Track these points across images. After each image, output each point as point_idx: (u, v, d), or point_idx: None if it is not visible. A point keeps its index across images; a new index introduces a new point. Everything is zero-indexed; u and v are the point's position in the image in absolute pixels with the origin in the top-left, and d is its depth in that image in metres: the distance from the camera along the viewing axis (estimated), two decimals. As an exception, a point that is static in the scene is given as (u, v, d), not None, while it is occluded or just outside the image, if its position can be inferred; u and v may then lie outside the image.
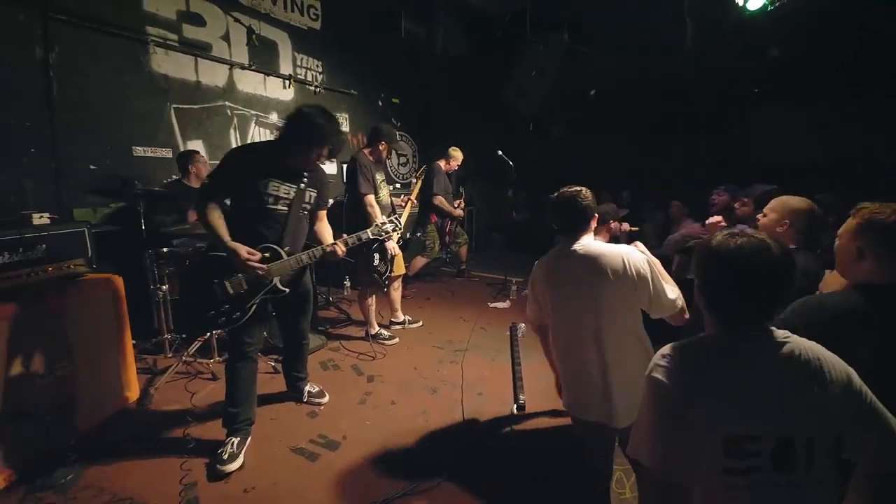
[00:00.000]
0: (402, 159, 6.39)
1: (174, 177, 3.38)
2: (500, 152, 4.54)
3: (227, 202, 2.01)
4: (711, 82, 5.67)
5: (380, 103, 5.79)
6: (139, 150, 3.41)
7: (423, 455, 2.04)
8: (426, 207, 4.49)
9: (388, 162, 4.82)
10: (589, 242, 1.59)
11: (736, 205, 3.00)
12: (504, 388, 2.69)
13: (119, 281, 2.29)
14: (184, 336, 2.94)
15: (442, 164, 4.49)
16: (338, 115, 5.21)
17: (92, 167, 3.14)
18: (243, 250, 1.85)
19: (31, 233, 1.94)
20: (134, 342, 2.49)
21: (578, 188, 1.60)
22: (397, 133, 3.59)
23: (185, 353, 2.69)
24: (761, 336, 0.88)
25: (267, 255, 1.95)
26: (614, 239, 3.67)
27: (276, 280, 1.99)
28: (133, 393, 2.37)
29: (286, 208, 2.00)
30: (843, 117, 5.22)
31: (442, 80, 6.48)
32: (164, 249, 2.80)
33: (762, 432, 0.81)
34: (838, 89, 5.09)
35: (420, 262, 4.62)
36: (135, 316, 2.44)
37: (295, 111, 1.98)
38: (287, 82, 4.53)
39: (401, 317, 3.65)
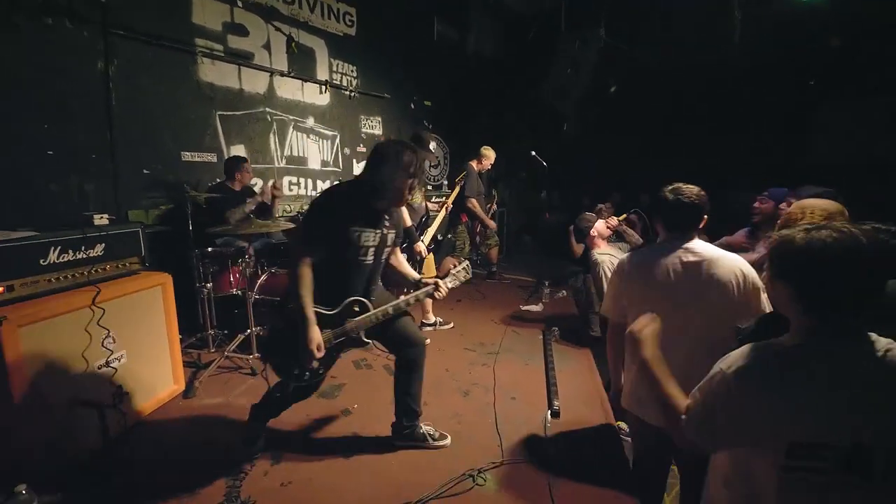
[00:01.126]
0: (434, 161, 6.42)
1: (218, 180, 3.54)
2: (533, 152, 4.48)
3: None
4: (762, 77, 5.36)
5: (412, 106, 5.85)
6: (187, 155, 3.60)
7: (456, 457, 2.02)
8: (457, 208, 4.49)
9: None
10: (702, 245, 1.53)
11: (782, 205, 2.76)
12: (537, 393, 2.63)
13: (169, 278, 2.41)
14: (225, 332, 3.07)
15: (474, 164, 4.48)
16: (371, 118, 5.31)
17: (145, 171, 3.34)
18: (315, 345, 1.69)
19: (92, 232, 2.09)
20: (180, 337, 2.62)
21: (694, 186, 1.54)
22: (431, 137, 3.62)
23: (227, 349, 2.80)
24: (858, 341, 0.83)
25: (356, 308, 1.86)
26: (618, 236, 3.56)
27: (362, 333, 1.88)
28: (179, 385, 2.50)
29: (372, 258, 1.87)
30: (883, 115, 4.80)
31: (474, 82, 6.47)
32: (209, 249, 2.94)
33: (837, 439, 0.79)
34: (876, 86, 4.70)
35: (450, 263, 4.61)
36: (181, 312, 2.56)
37: (379, 146, 1.84)
38: (323, 87, 4.66)
39: (432, 318, 3.66)
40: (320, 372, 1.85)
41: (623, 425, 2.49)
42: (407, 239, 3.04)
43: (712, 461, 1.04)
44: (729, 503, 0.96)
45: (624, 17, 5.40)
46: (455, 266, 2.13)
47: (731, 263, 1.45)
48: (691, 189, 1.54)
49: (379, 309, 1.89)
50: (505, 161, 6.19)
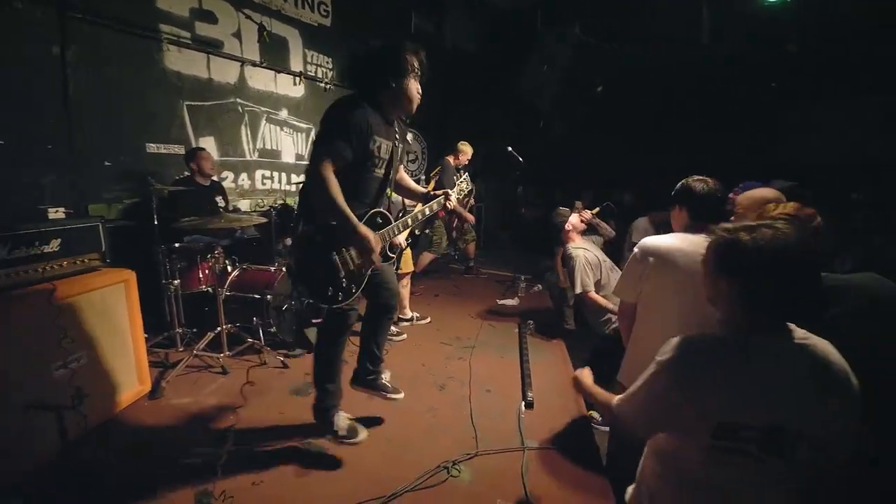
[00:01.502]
0: (412, 156, 6.39)
1: (186, 173, 3.42)
2: (509, 148, 4.50)
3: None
4: (730, 77, 5.51)
5: (389, 100, 5.79)
6: (152, 147, 3.45)
7: (432, 450, 2.04)
8: (434, 204, 4.47)
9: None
10: None
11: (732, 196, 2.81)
12: (512, 385, 2.67)
13: (132, 275, 2.32)
14: (194, 330, 2.98)
15: (451, 159, 4.47)
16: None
17: (107, 163, 3.19)
18: (373, 239, 1.66)
19: (46, 227, 1.98)
20: (146, 336, 2.53)
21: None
22: (408, 130, 3.58)
23: (196, 348, 2.72)
24: (784, 335, 0.89)
25: (380, 220, 1.81)
26: (591, 229, 3.65)
27: (387, 247, 1.85)
28: (145, 386, 2.41)
29: (383, 171, 1.82)
30: (877, 115, 5.01)
31: (453, 76, 6.45)
32: (176, 245, 2.84)
33: (760, 423, 0.85)
34: (869, 85, 4.91)
35: (427, 257, 4.61)
36: (147, 310, 2.48)
37: (374, 53, 1.73)
38: (297, 79, 4.55)
39: (409, 313, 3.65)
40: (353, 292, 1.77)
41: (595, 414, 2.56)
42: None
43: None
44: (660, 474, 1.02)
45: (614, 13, 5.44)
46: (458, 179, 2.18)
47: None
48: (714, 182, 1.61)
49: (400, 220, 1.88)
50: (482, 157, 6.22)
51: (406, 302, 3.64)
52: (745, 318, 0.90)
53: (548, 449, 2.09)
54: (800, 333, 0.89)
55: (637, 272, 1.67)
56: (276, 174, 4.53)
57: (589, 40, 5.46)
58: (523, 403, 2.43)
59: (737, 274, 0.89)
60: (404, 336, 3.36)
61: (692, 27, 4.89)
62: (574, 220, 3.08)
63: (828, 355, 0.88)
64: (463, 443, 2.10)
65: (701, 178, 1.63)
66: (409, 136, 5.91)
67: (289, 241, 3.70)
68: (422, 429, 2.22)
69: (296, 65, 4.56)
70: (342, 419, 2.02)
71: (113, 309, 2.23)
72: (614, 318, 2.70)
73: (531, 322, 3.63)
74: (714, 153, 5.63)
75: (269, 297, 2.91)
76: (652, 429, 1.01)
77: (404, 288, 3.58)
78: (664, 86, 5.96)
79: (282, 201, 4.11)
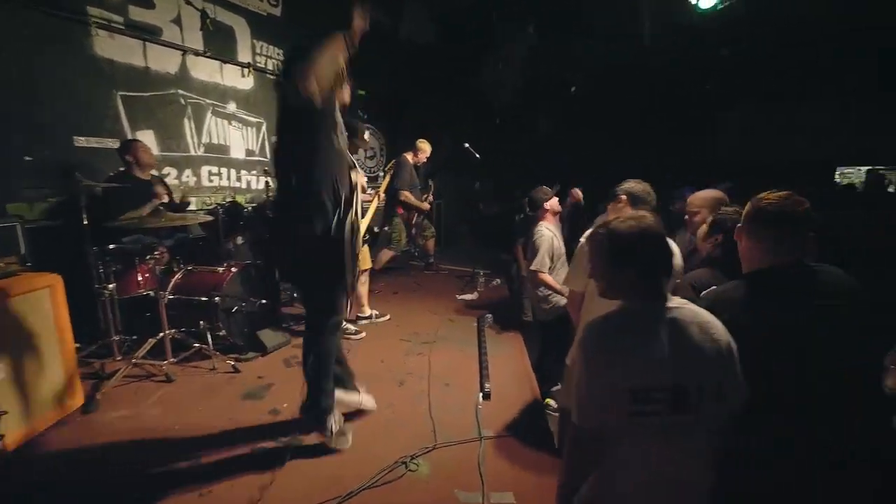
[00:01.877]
0: (370, 152, 6.30)
1: (121, 168, 3.18)
2: (466, 145, 4.55)
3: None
4: (671, 80, 5.82)
5: (345, 94, 5.66)
6: (81, 140, 3.18)
7: (390, 446, 2.03)
8: (392, 200, 4.44)
9: (355, 154, 4.73)
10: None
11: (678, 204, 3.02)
12: (471, 378, 2.71)
13: (57, 279, 2.13)
14: (134, 337, 2.79)
15: (409, 156, 4.45)
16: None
17: (27, 158, 2.91)
18: None
19: (-49, 228, 1.78)
20: (78, 346, 2.34)
21: None
22: (365, 127, 3.53)
23: (136, 356, 2.54)
24: (665, 304, 1.02)
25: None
26: (568, 214, 3.79)
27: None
28: (76, 400, 2.23)
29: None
30: (810, 117, 5.45)
31: (410, 71, 6.40)
32: (111, 246, 2.64)
33: (665, 383, 0.95)
34: (806, 89, 5.32)
35: (386, 255, 4.57)
36: (80, 318, 2.29)
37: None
38: (246, 70, 4.35)
39: (368, 311, 3.61)
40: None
41: (551, 402, 2.66)
42: None
43: None
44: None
45: (554, 14, 5.57)
46: None
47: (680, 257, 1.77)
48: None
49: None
50: (441, 152, 6.23)
51: (365, 300, 3.60)
52: (640, 294, 1.03)
53: (504, 437, 2.14)
54: (677, 300, 1.03)
55: (585, 262, 1.77)
56: (224, 170, 4.31)
57: (544, 39, 5.59)
58: (480, 395, 2.48)
59: (633, 261, 1.02)
60: (363, 335, 3.32)
61: (628, 34, 5.13)
62: (553, 202, 3.09)
63: (705, 314, 1.01)
64: (422, 437, 2.11)
65: (636, 180, 1.93)
66: (367, 133, 5.82)
67: (239, 240, 3.54)
68: (380, 425, 2.20)
69: (244, 56, 4.35)
70: (338, 421, 2.03)
71: (36, 317, 2.04)
72: (553, 300, 2.81)
73: (489, 315, 3.70)
74: (666, 154, 5.94)
75: (216, 299, 2.77)
76: (584, 408, 1.00)
77: (363, 285, 3.53)
78: (625, 87, 6.20)
79: (230, 199, 3.92)
